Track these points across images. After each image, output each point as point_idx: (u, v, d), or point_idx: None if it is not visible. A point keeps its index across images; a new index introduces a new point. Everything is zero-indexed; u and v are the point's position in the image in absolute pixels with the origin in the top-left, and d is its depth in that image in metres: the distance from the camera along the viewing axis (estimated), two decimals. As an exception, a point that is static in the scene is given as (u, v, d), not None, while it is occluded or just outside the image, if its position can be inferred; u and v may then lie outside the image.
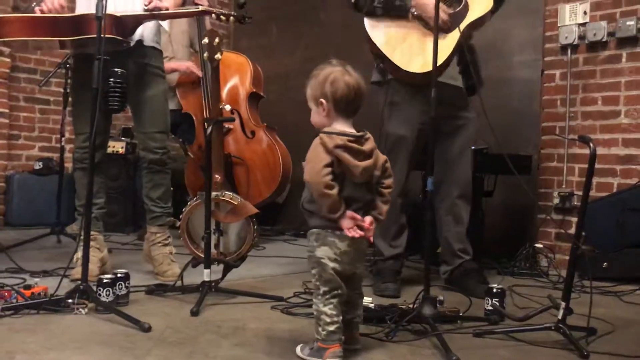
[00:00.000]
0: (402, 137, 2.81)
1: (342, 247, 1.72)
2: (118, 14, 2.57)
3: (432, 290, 2.15)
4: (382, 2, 2.73)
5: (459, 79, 2.88)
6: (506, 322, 2.21)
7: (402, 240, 2.91)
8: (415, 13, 2.70)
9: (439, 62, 2.54)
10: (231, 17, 2.83)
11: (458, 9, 2.65)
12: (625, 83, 3.59)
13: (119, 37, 2.55)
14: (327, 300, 1.70)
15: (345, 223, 1.70)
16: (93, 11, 2.25)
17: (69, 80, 3.91)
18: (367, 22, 2.78)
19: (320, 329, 1.69)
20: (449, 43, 2.64)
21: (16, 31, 2.54)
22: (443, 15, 2.60)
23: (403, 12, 2.71)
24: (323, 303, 1.70)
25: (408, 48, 2.71)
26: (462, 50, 2.79)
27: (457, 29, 2.61)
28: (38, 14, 2.60)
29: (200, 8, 2.86)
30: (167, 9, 2.73)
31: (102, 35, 2.22)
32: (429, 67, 2.57)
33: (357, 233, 1.70)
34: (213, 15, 2.82)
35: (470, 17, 2.66)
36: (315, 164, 1.68)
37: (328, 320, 1.69)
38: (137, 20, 2.70)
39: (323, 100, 1.74)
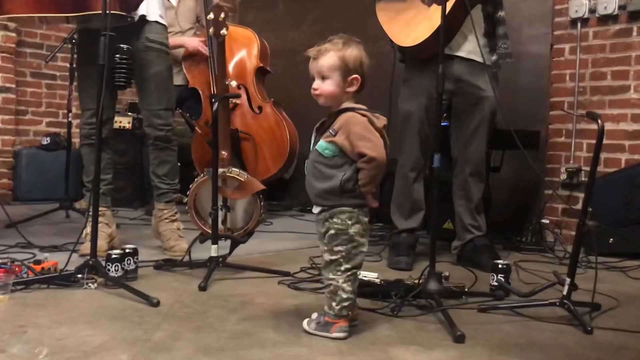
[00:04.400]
0: (409, 112, 2.86)
1: (365, 224, 1.75)
2: None
3: (438, 265, 2.16)
4: None
5: (477, 53, 2.77)
6: (511, 297, 2.22)
7: (417, 215, 2.93)
8: None
9: (425, 36, 2.63)
10: None
11: None
12: (635, 57, 3.54)
13: (122, 13, 2.53)
14: (347, 277, 1.71)
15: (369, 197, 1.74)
16: None
17: (75, 56, 3.90)
18: (377, 6, 2.89)
19: (334, 303, 1.71)
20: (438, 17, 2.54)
21: (19, 7, 2.52)
22: None
23: None
24: (343, 279, 1.71)
25: (404, 23, 2.78)
26: (490, 21, 2.81)
27: None
28: None
29: None
30: None
31: (107, 12, 2.20)
32: (418, 41, 2.67)
33: (376, 203, 1.76)
34: None
35: None
36: (378, 140, 1.68)
37: (345, 296, 1.70)
38: None
39: (358, 77, 1.71)
